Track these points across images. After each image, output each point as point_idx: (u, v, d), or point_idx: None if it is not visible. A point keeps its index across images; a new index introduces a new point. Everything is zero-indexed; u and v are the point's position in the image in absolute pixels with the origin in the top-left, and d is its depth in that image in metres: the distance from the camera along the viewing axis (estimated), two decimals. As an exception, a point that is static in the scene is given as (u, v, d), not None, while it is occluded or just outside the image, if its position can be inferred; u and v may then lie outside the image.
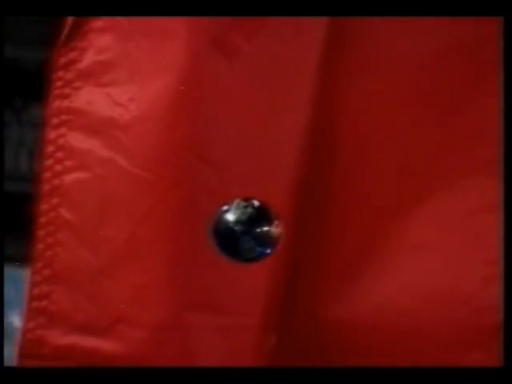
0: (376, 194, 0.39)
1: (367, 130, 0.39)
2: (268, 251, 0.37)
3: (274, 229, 0.37)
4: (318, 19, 0.36)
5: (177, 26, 0.37)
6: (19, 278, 0.49)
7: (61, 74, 0.38)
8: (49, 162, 0.39)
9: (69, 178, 0.38)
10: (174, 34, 0.37)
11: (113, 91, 0.38)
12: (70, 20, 0.38)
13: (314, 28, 0.36)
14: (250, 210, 0.37)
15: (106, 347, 0.39)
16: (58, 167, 0.39)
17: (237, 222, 0.36)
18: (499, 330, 0.38)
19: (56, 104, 0.38)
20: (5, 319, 0.52)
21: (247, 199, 0.37)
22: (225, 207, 0.37)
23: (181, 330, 0.39)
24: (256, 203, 0.36)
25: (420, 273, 0.39)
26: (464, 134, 0.38)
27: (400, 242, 0.39)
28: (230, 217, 0.36)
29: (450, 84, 0.38)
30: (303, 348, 0.40)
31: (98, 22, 0.38)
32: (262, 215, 0.37)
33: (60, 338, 0.39)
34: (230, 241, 0.37)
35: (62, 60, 0.38)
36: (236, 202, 0.37)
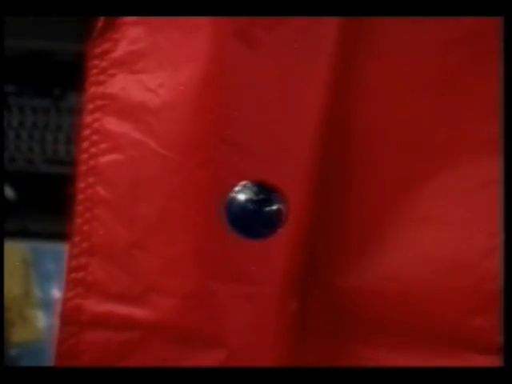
0: (387, 172, 0.38)
1: (379, 114, 0.37)
2: (275, 228, 0.36)
3: (281, 207, 0.36)
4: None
5: (203, 20, 0.36)
6: (58, 254, 0.49)
7: (96, 62, 0.38)
8: (85, 144, 0.38)
9: (104, 159, 0.38)
10: (200, 26, 0.36)
11: (144, 78, 0.37)
12: None
13: (329, 19, 0.35)
14: (259, 190, 0.36)
15: (138, 314, 0.39)
16: (94, 149, 0.38)
17: (247, 201, 0.36)
18: (499, 298, 0.37)
19: (92, 90, 0.38)
20: (44, 291, 0.52)
21: (257, 181, 0.36)
22: (236, 188, 0.36)
23: (208, 298, 0.38)
24: (264, 185, 0.36)
25: (427, 244, 0.38)
26: (468, 115, 0.37)
27: (409, 216, 0.38)
28: (242, 197, 0.36)
29: (454, 70, 0.37)
30: (322, 315, 0.39)
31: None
32: (269, 196, 0.36)
33: (96, 306, 0.39)
34: (240, 219, 0.37)
35: (98, 50, 0.38)
36: (246, 183, 0.36)
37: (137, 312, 0.39)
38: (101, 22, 0.38)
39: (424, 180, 0.38)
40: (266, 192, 0.36)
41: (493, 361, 0.37)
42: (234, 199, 0.36)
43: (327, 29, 0.36)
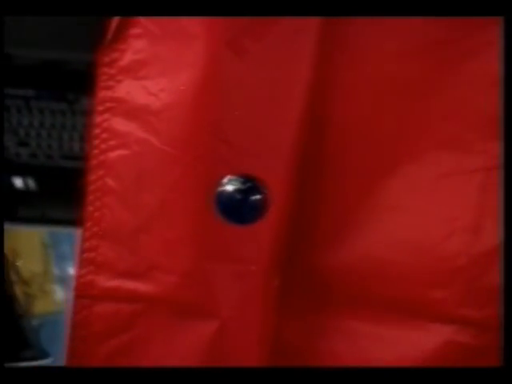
0: (358, 165, 0.40)
1: (352, 114, 0.39)
2: (259, 215, 0.38)
3: (264, 196, 0.38)
4: (312, 21, 0.37)
5: (197, 31, 0.38)
6: (73, 237, 0.51)
7: (105, 69, 0.40)
8: (96, 141, 0.40)
9: (112, 154, 0.40)
10: (195, 38, 0.38)
11: (147, 83, 0.39)
12: (112, 27, 0.39)
13: (309, 30, 0.37)
14: (244, 182, 0.38)
15: (143, 289, 0.41)
16: (104, 146, 0.40)
17: (234, 192, 0.38)
18: (458, 274, 0.39)
19: (101, 94, 0.40)
20: (61, 269, 0.54)
21: (242, 174, 0.38)
22: (225, 181, 0.38)
23: (203, 275, 0.40)
24: (249, 177, 0.38)
25: (394, 228, 0.40)
26: (429, 116, 0.39)
27: (378, 204, 0.40)
28: (230, 188, 0.38)
29: (419, 75, 0.39)
30: (303, 290, 0.41)
31: (135, 30, 0.39)
32: (253, 186, 0.38)
33: (106, 282, 0.41)
34: (229, 207, 0.39)
35: (107, 59, 0.40)
36: (234, 176, 0.38)
37: (141, 287, 0.41)
38: (109, 34, 0.39)
39: (390, 172, 0.40)
40: (250, 183, 0.38)
41: (453, 330, 0.40)
42: (223, 190, 0.38)
43: (307, 39, 0.37)
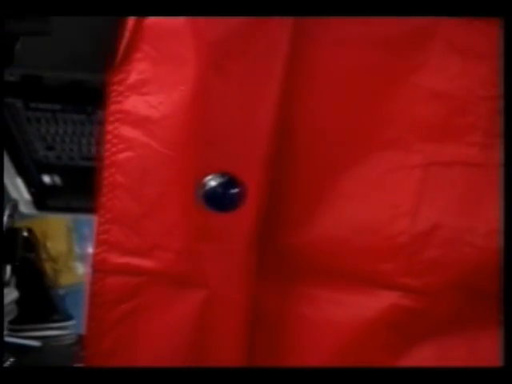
0: (318, 162, 0.44)
1: (313, 121, 0.43)
2: (238, 204, 0.43)
3: (241, 190, 0.42)
4: (280, 44, 0.41)
5: (189, 56, 0.41)
6: (91, 222, 0.56)
7: (116, 87, 0.43)
8: (108, 145, 0.44)
9: (121, 155, 0.44)
10: (187, 61, 0.41)
11: (149, 98, 0.43)
12: (120, 52, 0.43)
13: (278, 50, 0.41)
14: (225, 178, 0.42)
15: (147, 265, 0.45)
16: (114, 149, 0.44)
17: (217, 186, 0.42)
18: (401, 250, 0.43)
19: (112, 107, 0.43)
20: (81, 248, 0.61)
21: (224, 172, 0.42)
22: (209, 177, 0.42)
23: (195, 253, 0.44)
24: (228, 174, 0.42)
25: (348, 213, 0.44)
26: (376, 122, 0.43)
27: (335, 194, 0.44)
28: (213, 183, 0.42)
29: (367, 89, 0.43)
30: (277, 265, 0.46)
31: (138, 54, 0.43)
32: (232, 181, 0.42)
33: (117, 259, 0.44)
34: (212, 198, 0.43)
35: (116, 79, 0.43)
36: (216, 174, 0.42)
37: (145, 263, 0.44)
38: (118, 59, 0.43)
39: (345, 168, 0.44)
40: (229, 179, 0.42)
41: (398, 296, 0.44)
42: (208, 185, 0.42)
43: (276, 59, 0.41)
